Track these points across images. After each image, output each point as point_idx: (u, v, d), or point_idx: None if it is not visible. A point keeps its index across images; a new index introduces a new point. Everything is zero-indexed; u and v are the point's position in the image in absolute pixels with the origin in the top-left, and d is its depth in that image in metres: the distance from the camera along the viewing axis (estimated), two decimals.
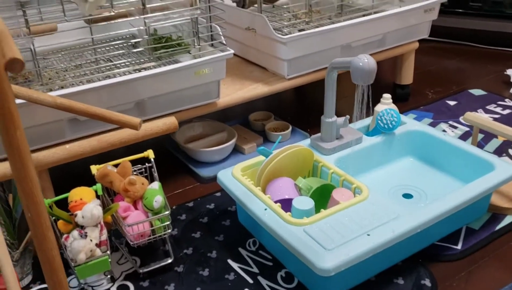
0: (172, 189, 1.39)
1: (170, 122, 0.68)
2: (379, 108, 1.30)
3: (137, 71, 1.16)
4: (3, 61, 0.46)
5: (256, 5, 1.46)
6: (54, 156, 0.59)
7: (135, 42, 1.14)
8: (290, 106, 1.88)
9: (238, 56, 1.62)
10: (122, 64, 1.21)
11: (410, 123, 1.33)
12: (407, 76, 1.81)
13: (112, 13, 1.04)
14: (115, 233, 1.18)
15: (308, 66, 1.49)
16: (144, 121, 1.27)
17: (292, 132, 1.62)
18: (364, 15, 1.53)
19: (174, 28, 1.29)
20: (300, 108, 1.85)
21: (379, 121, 1.26)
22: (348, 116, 1.21)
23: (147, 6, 1.09)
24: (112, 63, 1.22)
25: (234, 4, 1.54)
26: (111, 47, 1.37)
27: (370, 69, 0.97)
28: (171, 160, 1.53)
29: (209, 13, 1.22)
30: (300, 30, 1.44)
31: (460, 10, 2.27)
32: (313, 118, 1.71)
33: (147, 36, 1.13)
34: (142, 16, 1.10)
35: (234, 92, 1.43)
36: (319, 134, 1.24)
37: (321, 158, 1.18)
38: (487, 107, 1.75)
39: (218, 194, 1.35)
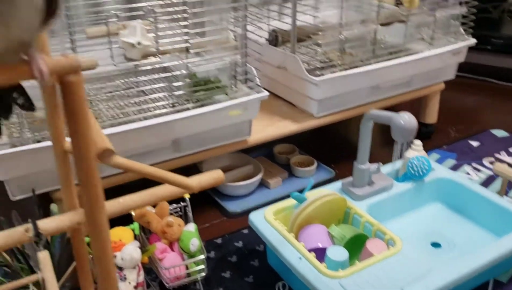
0: (200, 223, 1.40)
1: (218, 175, 0.71)
2: (409, 154, 1.31)
3: (171, 107, 1.17)
4: (95, 150, 0.49)
5: (288, 44, 1.48)
6: (111, 210, 0.62)
7: (176, 85, 1.16)
8: (313, 139, 1.90)
9: (266, 90, 1.64)
10: (160, 105, 1.22)
11: (439, 170, 1.35)
12: (432, 115, 1.83)
13: (159, 59, 1.07)
14: (147, 270, 1.20)
15: (337, 106, 1.51)
16: (178, 158, 1.30)
17: (317, 167, 1.64)
18: (394, 56, 1.55)
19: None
20: (323, 142, 1.87)
21: (410, 168, 1.27)
22: (380, 163, 1.23)
23: (191, 51, 1.11)
24: (147, 96, 1.23)
25: (267, 42, 1.57)
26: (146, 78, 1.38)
27: (411, 128, 0.99)
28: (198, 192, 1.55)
29: (245, 57, 1.24)
30: (331, 71, 1.46)
31: (483, 47, 2.29)
32: (337, 153, 1.72)
33: (188, 80, 1.15)
34: (185, 61, 1.13)
35: (263, 128, 1.45)
36: (350, 179, 1.26)
37: (352, 204, 1.20)
38: (510, 149, 1.76)
39: (246, 231, 1.37)
